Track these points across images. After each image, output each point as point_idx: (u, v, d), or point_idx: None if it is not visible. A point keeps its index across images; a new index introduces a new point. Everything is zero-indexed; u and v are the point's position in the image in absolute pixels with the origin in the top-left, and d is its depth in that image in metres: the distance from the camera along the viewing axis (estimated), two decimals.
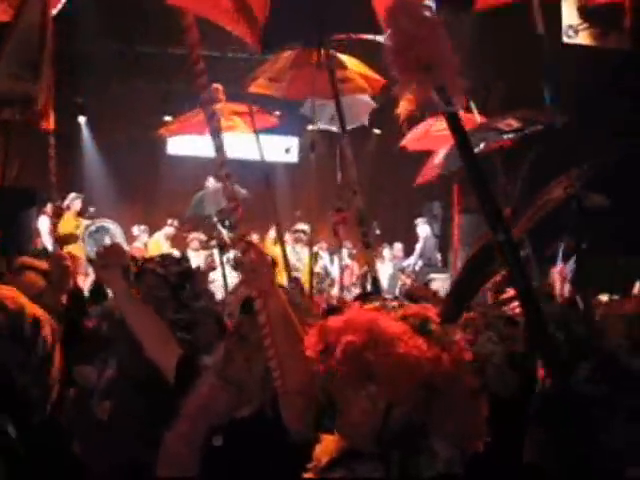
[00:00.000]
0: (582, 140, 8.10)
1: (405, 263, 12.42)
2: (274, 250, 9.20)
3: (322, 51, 4.76)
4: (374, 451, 1.64)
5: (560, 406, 1.64)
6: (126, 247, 10.23)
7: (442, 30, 1.66)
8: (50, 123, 3.61)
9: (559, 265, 6.08)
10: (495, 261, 2.07)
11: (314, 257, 7.02)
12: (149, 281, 3.38)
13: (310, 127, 6.54)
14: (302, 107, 7.02)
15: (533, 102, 6.05)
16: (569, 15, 8.78)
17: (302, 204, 11.36)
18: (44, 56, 3.49)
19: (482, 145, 5.86)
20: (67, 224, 10.43)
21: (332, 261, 10.86)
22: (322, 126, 6.32)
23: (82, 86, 11.91)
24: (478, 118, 6.49)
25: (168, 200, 12.87)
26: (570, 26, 8.64)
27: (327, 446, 1.76)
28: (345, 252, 11.27)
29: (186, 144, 13.23)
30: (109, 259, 2.51)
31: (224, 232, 8.44)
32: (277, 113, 7.67)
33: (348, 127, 4.57)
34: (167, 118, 10.92)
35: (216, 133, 2.04)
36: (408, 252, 12.78)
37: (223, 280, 7.29)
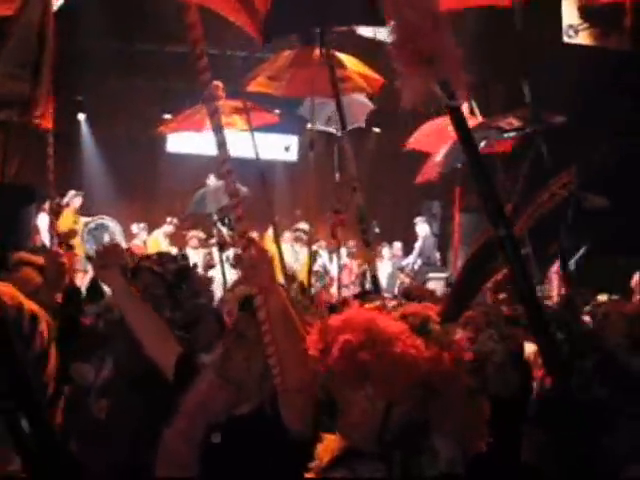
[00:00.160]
0: (582, 139, 8.10)
1: (404, 262, 12.42)
2: (273, 248, 9.19)
3: (323, 45, 4.73)
4: (375, 451, 1.64)
5: (561, 408, 1.63)
6: (125, 245, 10.23)
7: (446, 23, 1.65)
8: (49, 122, 3.60)
9: (556, 265, 6.08)
10: (495, 259, 2.05)
11: (313, 256, 7.03)
12: (145, 279, 3.37)
13: (309, 126, 6.52)
14: (300, 108, 7.02)
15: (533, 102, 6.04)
16: (569, 15, 8.79)
17: (301, 202, 11.35)
18: (45, 56, 3.48)
19: (483, 144, 5.86)
20: (66, 221, 10.43)
21: (331, 260, 10.86)
22: (319, 127, 6.32)
23: (81, 84, 11.89)
24: (479, 117, 6.50)
25: (167, 198, 12.87)
26: (570, 26, 8.65)
27: (329, 445, 1.75)
28: (344, 251, 11.28)
29: (185, 142, 13.23)
30: (108, 258, 2.51)
31: (224, 230, 8.44)
32: (277, 111, 7.67)
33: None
34: (166, 116, 10.91)
35: (218, 130, 2.03)
36: (407, 251, 12.78)
37: (222, 278, 7.30)
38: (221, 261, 7.71)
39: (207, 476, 2.17)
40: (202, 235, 11.13)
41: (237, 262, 2.12)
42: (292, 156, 14.04)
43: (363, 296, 5.07)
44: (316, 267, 10.30)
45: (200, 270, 9.96)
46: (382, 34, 7.20)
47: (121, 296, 2.55)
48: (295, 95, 6.36)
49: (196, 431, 2.24)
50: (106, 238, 10.31)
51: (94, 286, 4.87)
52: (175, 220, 11.66)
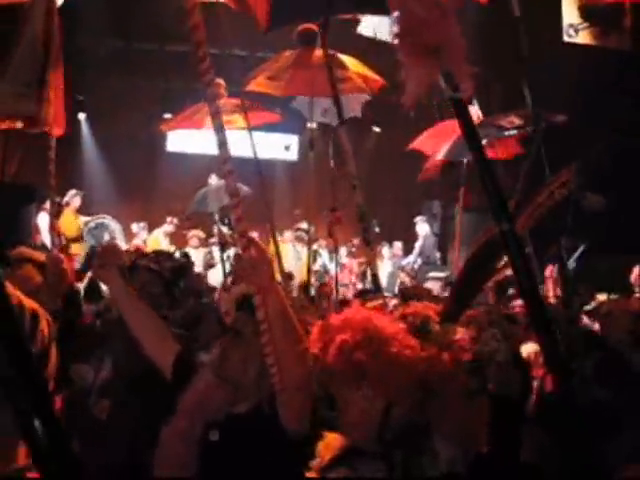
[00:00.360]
0: (582, 138, 8.10)
1: (404, 261, 12.42)
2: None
3: (323, 45, 4.72)
4: (377, 450, 1.64)
5: (562, 409, 1.62)
6: (125, 244, 10.23)
7: (451, 15, 1.64)
8: (61, 128, 3.61)
9: (549, 266, 6.08)
10: (496, 259, 2.05)
11: (312, 255, 7.02)
12: (142, 277, 3.36)
13: (309, 125, 6.52)
14: (293, 103, 6.92)
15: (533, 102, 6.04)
16: (570, 14, 8.79)
17: (302, 202, 11.35)
18: (51, 63, 3.48)
19: (484, 141, 5.86)
20: (66, 221, 10.43)
21: (331, 259, 10.86)
22: (316, 121, 6.28)
23: (82, 83, 11.89)
24: (480, 114, 6.50)
25: (167, 197, 12.86)
26: (570, 25, 8.65)
27: (330, 443, 1.76)
28: (344, 250, 11.28)
29: (185, 141, 13.23)
30: (106, 258, 2.52)
31: (225, 230, 8.45)
32: (277, 110, 7.67)
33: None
34: (166, 115, 10.91)
35: (220, 130, 2.03)
36: (407, 250, 12.79)
37: (223, 278, 7.30)
38: (222, 260, 7.71)
39: (205, 474, 2.18)
40: (202, 234, 11.14)
41: (237, 262, 2.12)
42: (292, 155, 14.04)
43: (364, 295, 5.08)
44: (316, 267, 10.31)
45: (201, 269, 10.00)
46: (382, 34, 7.20)
47: (119, 295, 2.55)
48: (294, 94, 6.36)
49: (194, 429, 2.25)
50: (106, 237, 10.31)
51: (92, 286, 4.88)
52: (175, 220, 11.66)
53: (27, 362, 1.10)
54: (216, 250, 9.67)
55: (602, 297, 6.22)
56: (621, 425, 2.86)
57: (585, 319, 5.05)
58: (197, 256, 10.18)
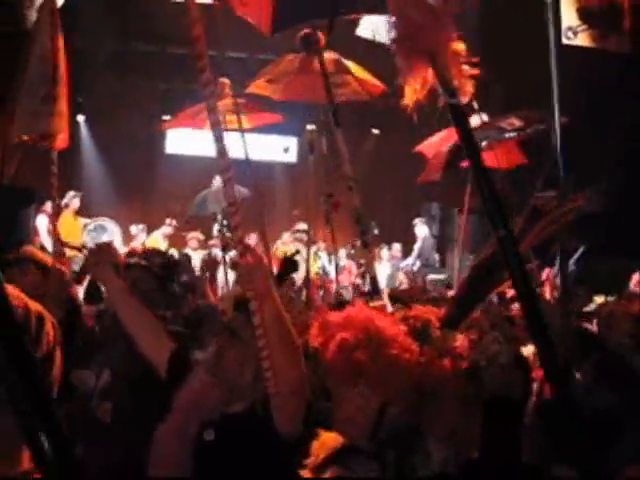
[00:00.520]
0: (583, 141, 8.10)
1: (403, 263, 12.43)
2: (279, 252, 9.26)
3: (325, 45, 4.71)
4: (370, 449, 1.65)
5: (562, 415, 1.62)
6: (124, 247, 10.22)
7: (448, 20, 1.64)
8: (65, 141, 3.66)
9: (546, 269, 6.07)
10: (503, 269, 2.04)
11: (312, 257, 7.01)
12: (133, 274, 3.40)
13: (308, 127, 6.51)
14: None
15: (533, 102, 6.04)
16: (568, 17, 8.77)
17: (301, 203, 11.35)
18: (59, 82, 3.52)
19: (484, 143, 5.85)
20: (65, 222, 10.42)
21: (330, 261, 10.86)
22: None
23: (81, 85, 11.90)
24: (480, 117, 6.48)
25: (166, 199, 12.87)
26: (569, 27, 8.64)
27: (325, 442, 1.77)
28: (343, 252, 11.28)
29: (184, 143, 13.23)
30: (101, 256, 2.54)
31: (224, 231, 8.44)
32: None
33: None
34: (166, 117, 10.91)
35: (220, 139, 2.04)
36: (406, 252, 12.79)
37: (225, 278, 7.29)
38: (223, 261, 7.70)
39: (200, 473, 2.19)
40: (201, 236, 11.13)
41: (234, 268, 2.14)
42: (291, 157, 14.04)
43: (367, 297, 5.07)
44: (315, 269, 10.30)
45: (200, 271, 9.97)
46: (381, 36, 7.19)
47: (113, 292, 2.59)
48: (291, 99, 6.36)
49: (189, 428, 2.26)
50: (105, 239, 10.31)
51: (93, 287, 4.87)
52: (174, 221, 11.65)
53: (29, 365, 1.10)
54: (214, 251, 9.67)
55: (600, 299, 6.22)
56: (623, 428, 2.86)
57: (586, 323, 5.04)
58: (196, 258, 10.16)
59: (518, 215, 2.42)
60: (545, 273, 6.03)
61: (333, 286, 10.09)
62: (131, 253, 4.15)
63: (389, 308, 3.61)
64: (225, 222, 8.17)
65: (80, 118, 12.96)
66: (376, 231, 11.54)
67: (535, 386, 3.56)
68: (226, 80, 5.38)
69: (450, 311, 2.06)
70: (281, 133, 12.82)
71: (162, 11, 10.13)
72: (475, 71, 1.68)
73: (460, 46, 1.66)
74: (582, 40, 8.58)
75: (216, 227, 8.42)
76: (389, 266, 12.28)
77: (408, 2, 1.62)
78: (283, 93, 6.05)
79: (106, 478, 2.91)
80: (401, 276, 11.37)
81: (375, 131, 13.75)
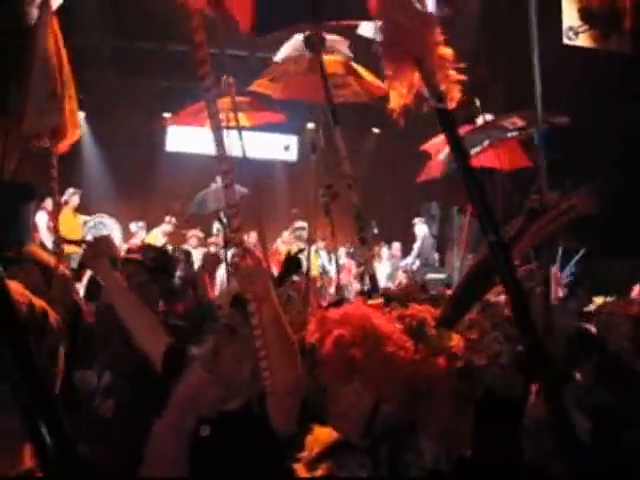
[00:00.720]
0: (583, 141, 8.10)
1: (403, 263, 12.44)
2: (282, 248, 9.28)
3: (317, 39, 4.70)
4: (363, 445, 1.66)
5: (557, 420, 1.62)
6: (123, 244, 10.23)
7: (435, 24, 1.64)
8: (66, 146, 3.67)
9: (553, 268, 6.06)
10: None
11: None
12: (127, 269, 3.43)
13: (308, 126, 6.52)
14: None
15: (534, 102, 6.04)
16: (569, 17, 8.77)
17: (301, 202, 11.36)
18: (63, 82, 3.53)
19: (486, 142, 5.85)
20: (65, 220, 10.41)
21: (330, 260, 10.87)
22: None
23: (81, 82, 11.88)
24: (484, 116, 6.47)
25: (166, 197, 12.86)
26: (570, 28, 8.63)
27: (318, 437, 1.78)
28: (343, 251, 11.29)
29: (184, 141, 13.23)
30: (98, 249, 2.56)
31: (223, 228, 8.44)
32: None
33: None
34: (166, 115, 10.91)
35: (220, 144, 2.05)
36: (406, 252, 12.80)
37: (227, 275, 7.30)
38: (225, 258, 7.71)
39: (196, 469, 2.20)
40: (201, 234, 11.13)
41: (234, 270, 2.15)
42: (292, 156, 14.05)
43: (365, 295, 5.06)
44: (314, 268, 10.29)
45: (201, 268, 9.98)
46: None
47: (110, 285, 2.60)
48: (290, 98, 6.36)
49: (185, 423, 2.27)
50: None
51: (93, 284, 4.87)
52: (174, 219, 11.65)
53: (33, 363, 1.10)
54: (215, 249, 9.69)
55: (599, 300, 6.21)
56: (623, 428, 2.86)
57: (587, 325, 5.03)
58: (196, 256, 10.16)
59: (518, 215, 2.42)
60: (552, 272, 6.03)
61: (333, 285, 10.12)
62: (129, 250, 4.17)
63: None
64: (226, 219, 8.18)
65: (80, 115, 12.94)
66: (376, 230, 11.55)
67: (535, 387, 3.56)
68: (231, 79, 5.38)
69: (446, 311, 2.07)
70: (282, 131, 12.82)
71: (163, 9, 10.11)
72: (462, 76, 1.68)
73: (447, 51, 1.66)
74: (583, 40, 8.57)
75: (216, 225, 8.42)
76: (389, 265, 12.29)
77: (395, 6, 1.62)
78: (281, 92, 6.05)
79: (108, 474, 2.92)
80: (401, 275, 11.38)
81: (375, 130, 13.75)
